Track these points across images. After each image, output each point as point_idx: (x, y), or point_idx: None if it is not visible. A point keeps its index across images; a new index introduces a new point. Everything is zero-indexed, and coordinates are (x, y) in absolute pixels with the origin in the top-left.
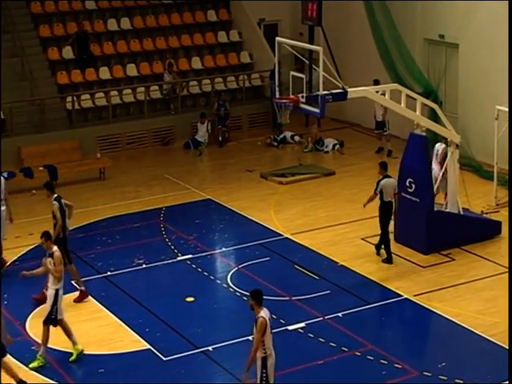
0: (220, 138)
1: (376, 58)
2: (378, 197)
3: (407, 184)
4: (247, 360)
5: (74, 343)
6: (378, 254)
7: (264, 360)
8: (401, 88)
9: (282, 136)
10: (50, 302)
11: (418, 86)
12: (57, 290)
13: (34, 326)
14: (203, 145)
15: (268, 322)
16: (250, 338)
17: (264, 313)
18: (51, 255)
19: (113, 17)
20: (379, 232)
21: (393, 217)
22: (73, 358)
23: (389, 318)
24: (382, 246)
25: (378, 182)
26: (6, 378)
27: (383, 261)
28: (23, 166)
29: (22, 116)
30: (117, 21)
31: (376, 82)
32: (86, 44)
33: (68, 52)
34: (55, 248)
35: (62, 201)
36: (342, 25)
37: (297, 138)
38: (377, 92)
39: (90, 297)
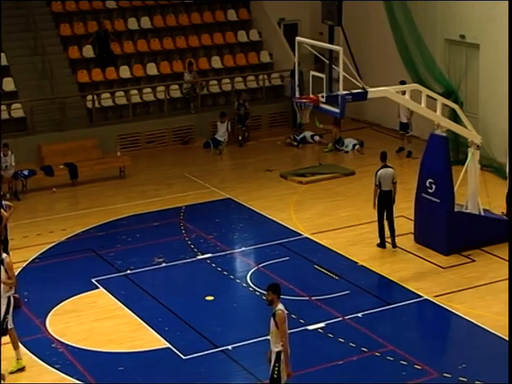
0: (240, 138)
1: (396, 58)
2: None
3: (427, 184)
4: (275, 357)
5: (19, 357)
6: (394, 247)
7: (278, 354)
8: (421, 88)
9: (301, 136)
10: (2, 310)
11: (438, 87)
12: (9, 298)
13: (54, 324)
14: (223, 144)
15: (286, 315)
16: (268, 337)
17: (281, 306)
18: (1, 262)
19: (133, 16)
20: (400, 232)
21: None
22: (12, 369)
23: (409, 318)
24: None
25: (376, 173)
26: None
27: (377, 245)
28: (44, 164)
29: (42, 114)
30: (137, 20)
31: (402, 84)
32: (106, 43)
33: (88, 51)
34: (4, 255)
35: (3, 202)
36: (363, 25)
37: (316, 138)
38: (397, 92)
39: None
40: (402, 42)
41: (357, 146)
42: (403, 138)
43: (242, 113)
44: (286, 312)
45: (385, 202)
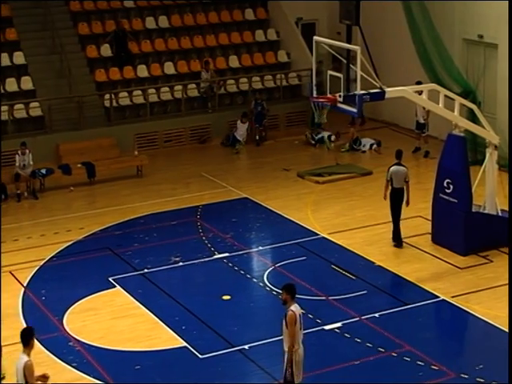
0: (257, 137)
1: (414, 57)
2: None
3: (445, 185)
4: (287, 357)
5: None
6: (400, 245)
7: (291, 356)
8: (439, 88)
9: (319, 136)
10: None
11: (456, 87)
12: None
13: (71, 322)
14: (241, 144)
15: (298, 316)
16: (282, 336)
17: (294, 307)
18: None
19: (151, 15)
20: (418, 232)
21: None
22: None
23: (426, 319)
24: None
25: (388, 169)
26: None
27: (395, 246)
28: (61, 162)
29: (60, 113)
30: (155, 19)
31: (419, 84)
32: (124, 42)
33: (106, 50)
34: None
35: None
36: (380, 24)
37: (333, 138)
38: (415, 92)
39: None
40: (420, 42)
41: (374, 146)
42: (419, 138)
43: (260, 109)
44: (301, 312)
45: (397, 200)
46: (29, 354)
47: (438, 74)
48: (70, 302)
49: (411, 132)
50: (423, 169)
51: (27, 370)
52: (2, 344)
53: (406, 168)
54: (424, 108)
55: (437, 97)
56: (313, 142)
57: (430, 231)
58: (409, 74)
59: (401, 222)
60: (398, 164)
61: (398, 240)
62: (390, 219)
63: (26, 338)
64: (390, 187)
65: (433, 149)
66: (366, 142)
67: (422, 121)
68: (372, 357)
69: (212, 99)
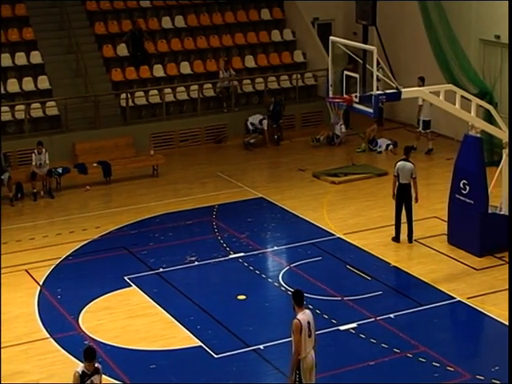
0: (275, 137)
1: (430, 58)
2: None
3: (461, 186)
4: (290, 364)
5: None
6: (410, 241)
7: (298, 362)
8: (455, 89)
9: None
10: None
11: (472, 87)
12: None
13: (87, 321)
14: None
15: (304, 324)
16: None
17: (301, 315)
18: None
19: (167, 15)
20: (433, 233)
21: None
22: None
23: (441, 320)
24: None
25: (395, 164)
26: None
27: (392, 239)
28: (77, 162)
29: (76, 112)
30: (171, 19)
31: (421, 80)
32: (140, 41)
33: (122, 49)
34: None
35: None
36: (397, 24)
37: (390, 147)
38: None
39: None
40: (437, 42)
41: (390, 147)
42: (419, 138)
43: (277, 108)
44: (311, 319)
45: (402, 195)
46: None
47: (454, 75)
48: (85, 301)
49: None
50: (439, 169)
51: None
52: (18, 342)
53: (412, 164)
54: (431, 104)
55: (453, 97)
56: (332, 142)
57: (445, 232)
58: (425, 74)
59: (417, 222)
60: (405, 160)
61: (399, 237)
62: (394, 216)
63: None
64: (397, 183)
65: (448, 149)
66: (382, 142)
67: (428, 117)
68: (387, 357)
69: (228, 99)
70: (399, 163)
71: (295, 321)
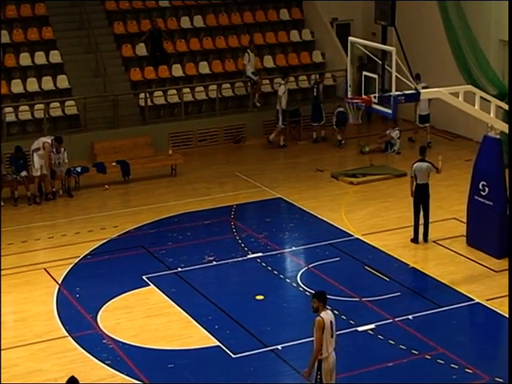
0: (339, 137)
1: (450, 58)
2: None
3: (480, 187)
4: (310, 361)
5: None
6: (426, 241)
7: (319, 362)
8: (475, 90)
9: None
10: None
11: (492, 88)
12: None
13: (105, 320)
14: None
15: (327, 323)
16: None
17: (324, 314)
18: None
19: (186, 14)
20: (452, 234)
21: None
22: None
23: (460, 321)
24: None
25: (412, 165)
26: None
27: (411, 240)
28: (96, 161)
29: (95, 112)
30: (190, 18)
31: (417, 77)
32: (159, 41)
33: (141, 49)
34: None
35: None
36: (416, 25)
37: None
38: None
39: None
40: (456, 43)
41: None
42: (417, 131)
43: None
44: (332, 320)
45: (420, 196)
46: None
47: (473, 76)
48: (104, 300)
49: (446, 133)
50: (458, 170)
51: None
52: (36, 340)
53: (429, 164)
54: (429, 100)
55: (472, 98)
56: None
57: (464, 233)
58: (444, 74)
59: (436, 224)
60: (422, 160)
61: (418, 238)
62: (412, 217)
63: None
64: (414, 183)
65: (468, 151)
66: (394, 135)
67: (427, 112)
68: (405, 359)
69: (247, 99)
70: (416, 164)
71: (318, 318)
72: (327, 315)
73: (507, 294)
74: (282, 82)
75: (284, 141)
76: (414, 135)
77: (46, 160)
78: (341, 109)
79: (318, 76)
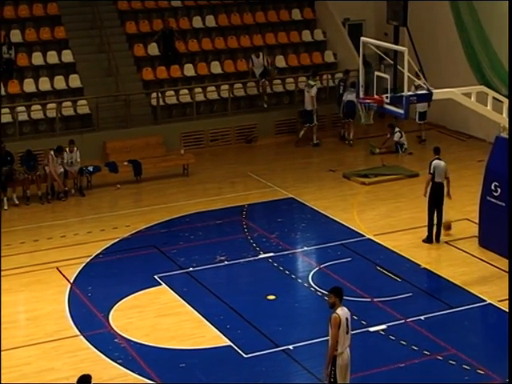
0: (315, 138)
1: (462, 59)
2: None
3: (492, 188)
4: (326, 358)
5: None
6: (438, 241)
7: (334, 358)
8: (487, 90)
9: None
10: None
11: (504, 89)
12: None
13: (117, 319)
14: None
15: (343, 319)
16: (327, 338)
17: (340, 311)
18: None
19: (198, 14)
20: (464, 235)
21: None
22: None
23: (472, 322)
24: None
25: (431, 163)
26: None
27: (423, 240)
28: (108, 160)
29: (107, 111)
30: (202, 18)
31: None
32: (171, 41)
33: (153, 49)
34: None
35: None
36: (428, 25)
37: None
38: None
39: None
40: (468, 43)
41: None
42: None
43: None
44: (348, 316)
45: (437, 195)
46: None
47: (486, 76)
48: (115, 299)
49: (459, 134)
50: (471, 171)
51: None
52: (48, 339)
53: (445, 164)
54: None
55: (485, 99)
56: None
57: (476, 234)
58: (457, 75)
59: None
60: (439, 159)
61: (432, 238)
62: (425, 217)
63: None
64: (430, 183)
65: (480, 151)
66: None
67: (425, 108)
68: (417, 360)
69: (259, 99)
70: (435, 161)
71: (334, 315)
72: (343, 312)
73: None
74: (313, 82)
75: (317, 139)
76: (420, 133)
77: (51, 170)
78: (350, 97)
79: (343, 73)
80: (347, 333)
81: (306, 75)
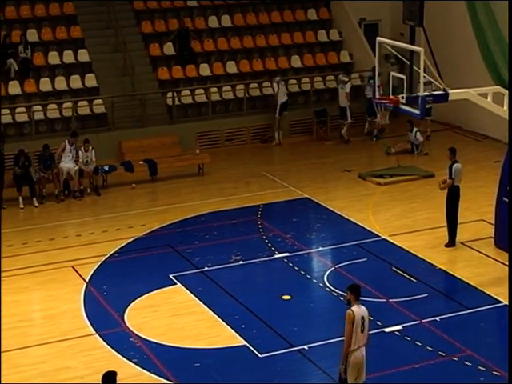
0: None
1: (478, 59)
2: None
3: (508, 189)
4: (341, 354)
5: None
6: (454, 244)
7: (347, 355)
8: (503, 90)
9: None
10: None
11: None
12: None
13: (131, 318)
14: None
15: (357, 316)
16: (342, 337)
17: (356, 308)
18: None
19: (214, 14)
20: (480, 236)
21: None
22: None
23: (488, 323)
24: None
25: (451, 167)
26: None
27: (446, 245)
28: (124, 159)
29: (123, 110)
30: (218, 18)
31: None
32: (186, 40)
33: (169, 48)
34: None
35: None
36: (444, 25)
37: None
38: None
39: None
40: (484, 43)
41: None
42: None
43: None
44: (364, 315)
45: (457, 199)
46: None
47: (502, 76)
48: (130, 298)
49: (475, 135)
50: (487, 172)
51: None
52: (64, 338)
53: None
54: None
55: (501, 99)
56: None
57: (492, 235)
58: (473, 75)
59: (464, 225)
60: (456, 161)
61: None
62: (448, 221)
63: None
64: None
65: (497, 152)
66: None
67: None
68: (432, 360)
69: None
70: (455, 165)
71: (348, 311)
72: (359, 309)
73: None
74: (346, 78)
75: (348, 135)
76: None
77: (57, 156)
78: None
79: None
80: (362, 331)
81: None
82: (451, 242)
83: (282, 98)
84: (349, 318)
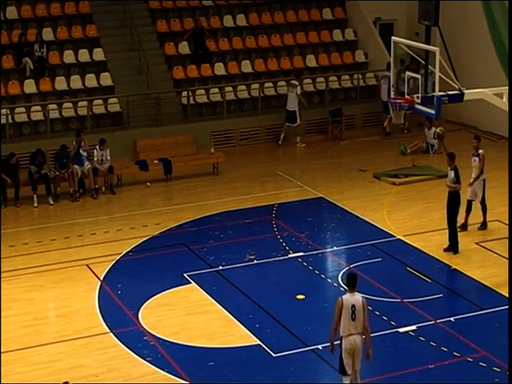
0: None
1: (494, 59)
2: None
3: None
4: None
5: None
6: (456, 251)
7: (341, 340)
8: None
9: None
10: None
11: None
12: None
13: (146, 317)
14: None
15: (346, 304)
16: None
17: (347, 296)
18: None
19: (229, 13)
20: (495, 236)
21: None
22: None
23: (503, 324)
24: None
25: (456, 172)
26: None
27: (445, 250)
28: (139, 158)
29: (138, 109)
30: (233, 17)
31: (402, 62)
32: (202, 40)
33: (184, 47)
34: None
35: None
36: (460, 25)
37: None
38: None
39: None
40: (500, 43)
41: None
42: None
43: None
44: (356, 304)
45: (458, 203)
46: None
47: None
48: (145, 297)
49: (490, 135)
50: (502, 172)
51: None
52: (78, 336)
53: None
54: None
55: None
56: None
57: (507, 236)
58: (488, 75)
59: (476, 225)
60: (456, 167)
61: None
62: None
63: None
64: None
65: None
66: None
67: None
68: (447, 361)
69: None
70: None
71: (338, 298)
72: (351, 298)
73: None
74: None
75: (389, 128)
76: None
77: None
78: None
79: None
80: (353, 319)
81: (379, 70)
82: (451, 248)
83: (290, 106)
84: (337, 305)
